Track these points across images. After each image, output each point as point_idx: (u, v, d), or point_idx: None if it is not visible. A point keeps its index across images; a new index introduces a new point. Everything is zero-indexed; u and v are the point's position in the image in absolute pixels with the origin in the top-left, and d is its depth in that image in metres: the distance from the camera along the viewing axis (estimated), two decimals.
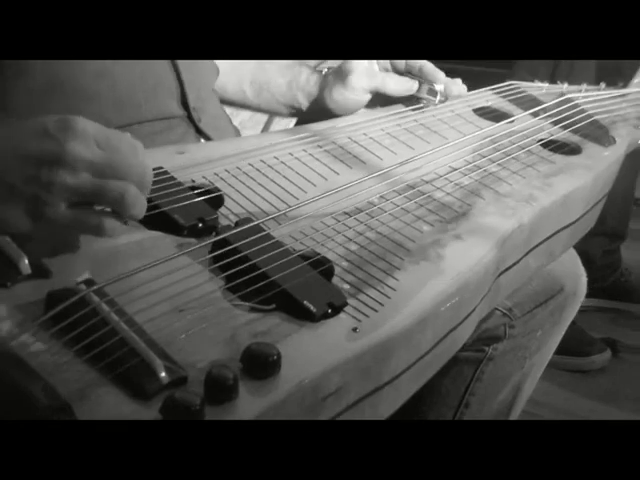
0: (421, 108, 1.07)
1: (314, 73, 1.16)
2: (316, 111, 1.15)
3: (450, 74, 1.12)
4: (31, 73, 0.86)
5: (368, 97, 1.11)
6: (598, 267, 2.13)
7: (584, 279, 1.15)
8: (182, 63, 0.98)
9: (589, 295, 2.16)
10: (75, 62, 0.87)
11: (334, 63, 1.17)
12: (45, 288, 0.66)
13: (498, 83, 1.17)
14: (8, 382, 0.57)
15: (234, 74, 1.18)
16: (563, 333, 1.16)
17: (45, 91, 0.86)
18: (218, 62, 1.15)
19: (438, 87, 1.07)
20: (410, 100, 1.09)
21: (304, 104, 1.16)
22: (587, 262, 2.16)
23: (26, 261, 0.68)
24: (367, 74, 1.10)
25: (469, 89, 1.13)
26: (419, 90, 1.09)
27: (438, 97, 1.07)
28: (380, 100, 1.12)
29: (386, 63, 1.11)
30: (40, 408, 0.56)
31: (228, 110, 1.25)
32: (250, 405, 0.61)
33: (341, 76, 1.10)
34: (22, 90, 0.86)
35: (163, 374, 0.60)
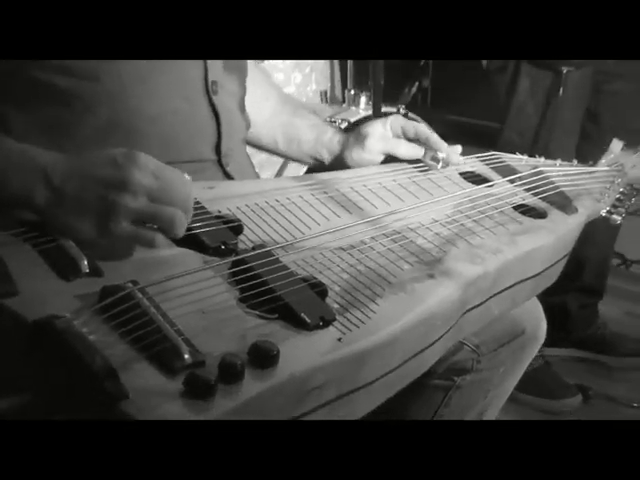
0: (425, 169, 1.25)
1: (337, 134, 1.35)
2: (335, 165, 1.34)
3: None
4: (96, 113, 1.04)
5: (381, 158, 1.30)
6: (574, 320, 2.32)
7: (544, 325, 1.32)
8: (224, 117, 1.17)
9: (567, 345, 2.35)
10: (134, 107, 1.06)
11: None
12: (98, 285, 0.83)
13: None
14: (71, 351, 0.75)
15: (268, 126, 1.38)
16: (523, 370, 1.33)
17: (107, 129, 1.04)
18: (254, 115, 1.34)
19: (441, 155, 1.26)
20: (416, 163, 1.28)
21: (326, 158, 1.36)
22: (565, 314, 2.36)
23: (85, 262, 0.85)
24: (382, 139, 1.28)
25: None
26: (424, 155, 1.27)
27: (440, 164, 1.26)
28: (390, 159, 1.30)
29: (398, 130, 1.29)
30: (95, 371, 0.73)
31: (249, 150, 1.45)
32: (252, 387, 0.77)
33: (359, 139, 1.29)
34: (88, 126, 1.04)
35: (187, 356, 0.77)
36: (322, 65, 2.49)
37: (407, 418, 1.27)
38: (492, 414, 1.32)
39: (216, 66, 1.16)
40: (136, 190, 0.83)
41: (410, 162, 1.28)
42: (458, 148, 1.29)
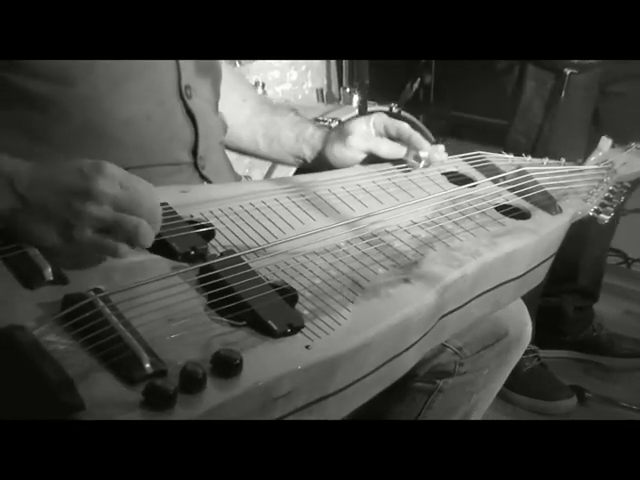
0: (407, 169, 1.24)
1: (318, 130, 1.34)
2: (317, 162, 1.33)
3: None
4: (70, 117, 1.04)
5: (363, 156, 1.28)
6: (570, 322, 2.30)
7: (529, 328, 1.30)
8: (200, 119, 1.16)
9: (562, 347, 2.35)
10: (107, 112, 1.05)
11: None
12: (63, 293, 0.82)
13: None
14: (27, 362, 0.74)
15: (249, 127, 1.37)
16: (508, 374, 1.31)
17: (81, 133, 1.04)
18: (233, 117, 1.33)
19: (423, 154, 1.24)
20: (398, 162, 1.26)
21: (308, 155, 1.34)
22: (561, 317, 2.35)
23: (49, 269, 0.84)
24: (364, 137, 1.26)
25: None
26: (407, 155, 1.26)
27: (422, 163, 1.24)
28: (373, 159, 1.29)
29: (380, 128, 1.27)
30: (50, 382, 0.72)
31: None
32: (214, 397, 0.76)
33: (342, 135, 1.27)
34: (62, 131, 1.04)
35: (148, 365, 0.76)
36: (318, 63, 2.47)
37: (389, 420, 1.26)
38: (477, 417, 1.30)
39: (189, 70, 1.15)
40: (101, 199, 0.82)
41: (392, 162, 1.26)
42: (441, 147, 1.27)
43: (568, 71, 1.95)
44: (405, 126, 1.27)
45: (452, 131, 3.23)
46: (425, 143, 1.25)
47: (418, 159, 1.24)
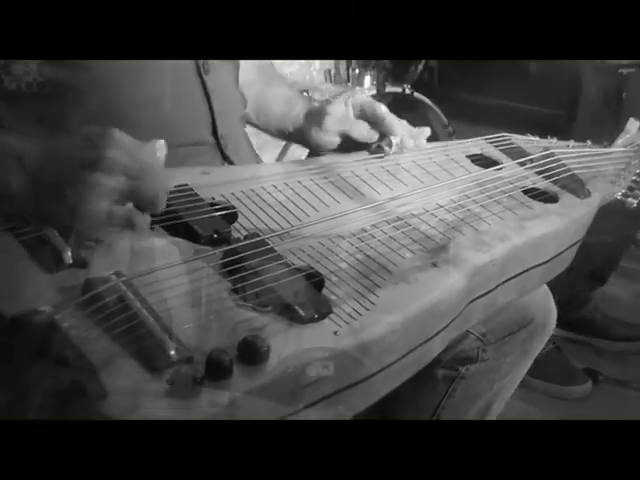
0: (380, 156, 1.16)
1: (305, 108, 1.26)
2: (301, 141, 1.27)
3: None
4: (87, 102, 1.01)
5: (338, 139, 1.20)
6: (565, 300, 2.24)
7: (554, 314, 1.27)
8: (214, 96, 1.12)
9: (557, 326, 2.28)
10: (125, 94, 1.02)
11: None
12: (83, 276, 0.80)
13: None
14: (49, 347, 0.71)
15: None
16: (532, 361, 1.28)
17: (98, 118, 1.01)
18: None
19: (394, 140, 1.16)
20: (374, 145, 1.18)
21: (291, 133, 1.28)
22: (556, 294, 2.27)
23: (69, 252, 0.82)
24: (339, 119, 1.18)
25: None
26: (382, 140, 1.17)
27: (393, 149, 1.15)
28: (351, 145, 1.21)
29: (357, 110, 1.18)
30: (72, 369, 0.70)
31: (249, 130, 1.39)
32: (241, 385, 0.74)
33: (319, 117, 1.20)
34: (79, 116, 1.00)
35: (173, 352, 0.73)
36: None
37: (412, 408, 1.23)
38: (499, 406, 1.27)
39: None
40: (112, 167, 0.79)
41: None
42: (426, 130, 1.19)
43: (625, 71, 1.93)
44: (381, 109, 1.17)
45: (465, 115, 3.18)
46: (398, 128, 1.16)
47: (389, 144, 1.16)
